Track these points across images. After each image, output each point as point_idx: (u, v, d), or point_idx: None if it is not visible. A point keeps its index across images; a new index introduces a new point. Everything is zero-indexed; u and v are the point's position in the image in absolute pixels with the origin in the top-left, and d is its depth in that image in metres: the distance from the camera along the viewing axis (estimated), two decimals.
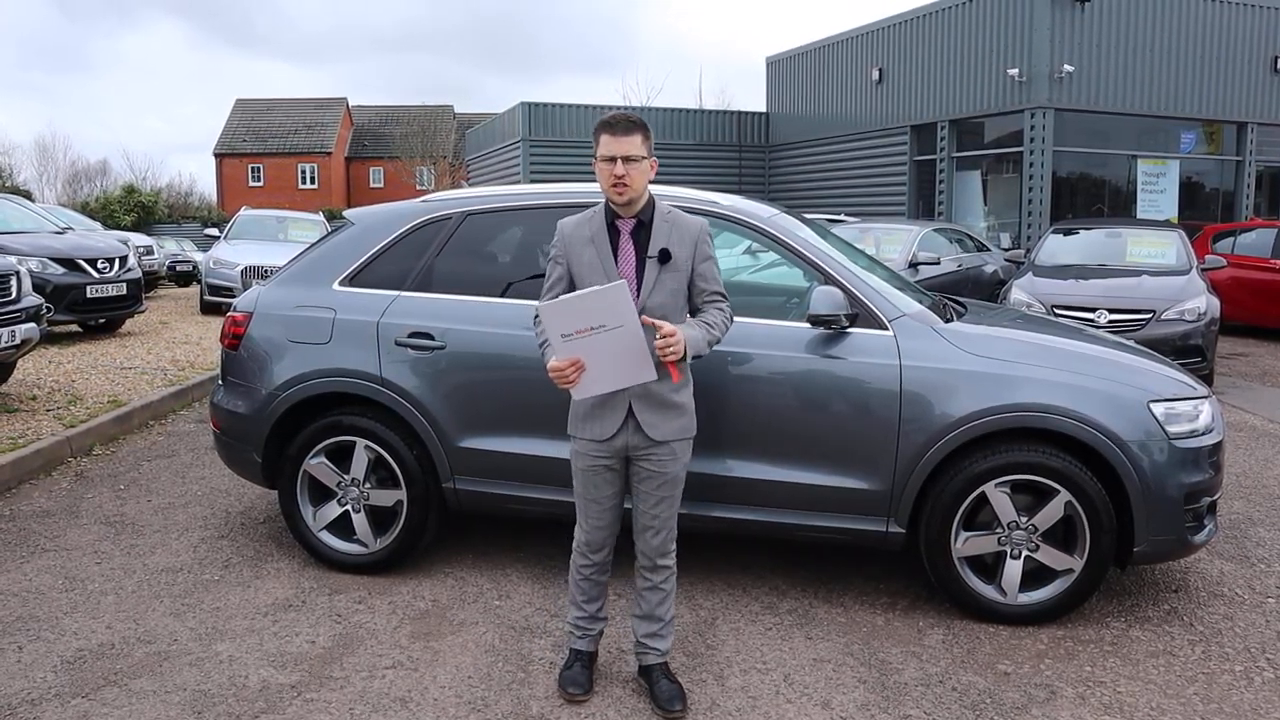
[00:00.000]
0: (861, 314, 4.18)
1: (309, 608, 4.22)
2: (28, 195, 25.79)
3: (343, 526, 4.60)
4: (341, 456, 4.53)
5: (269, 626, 4.03)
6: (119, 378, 9.17)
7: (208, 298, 15.30)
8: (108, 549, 4.93)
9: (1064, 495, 4.04)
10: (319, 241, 4.92)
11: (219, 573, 4.62)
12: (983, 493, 4.08)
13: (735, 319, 4.34)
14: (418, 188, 53.38)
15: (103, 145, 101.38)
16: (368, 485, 4.51)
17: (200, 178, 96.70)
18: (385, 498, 4.50)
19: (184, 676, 3.60)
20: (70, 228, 13.21)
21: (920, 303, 4.47)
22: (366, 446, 4.46)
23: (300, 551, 4.78)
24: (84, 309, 11.35)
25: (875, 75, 21.51)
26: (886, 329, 4.18)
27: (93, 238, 13.19)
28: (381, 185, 58.77)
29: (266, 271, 14.80)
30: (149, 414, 8.04)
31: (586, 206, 4.49)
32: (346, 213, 4.91)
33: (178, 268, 23.99)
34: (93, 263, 11.41)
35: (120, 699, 3.44)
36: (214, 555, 4.84)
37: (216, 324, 13.98)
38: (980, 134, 19.56)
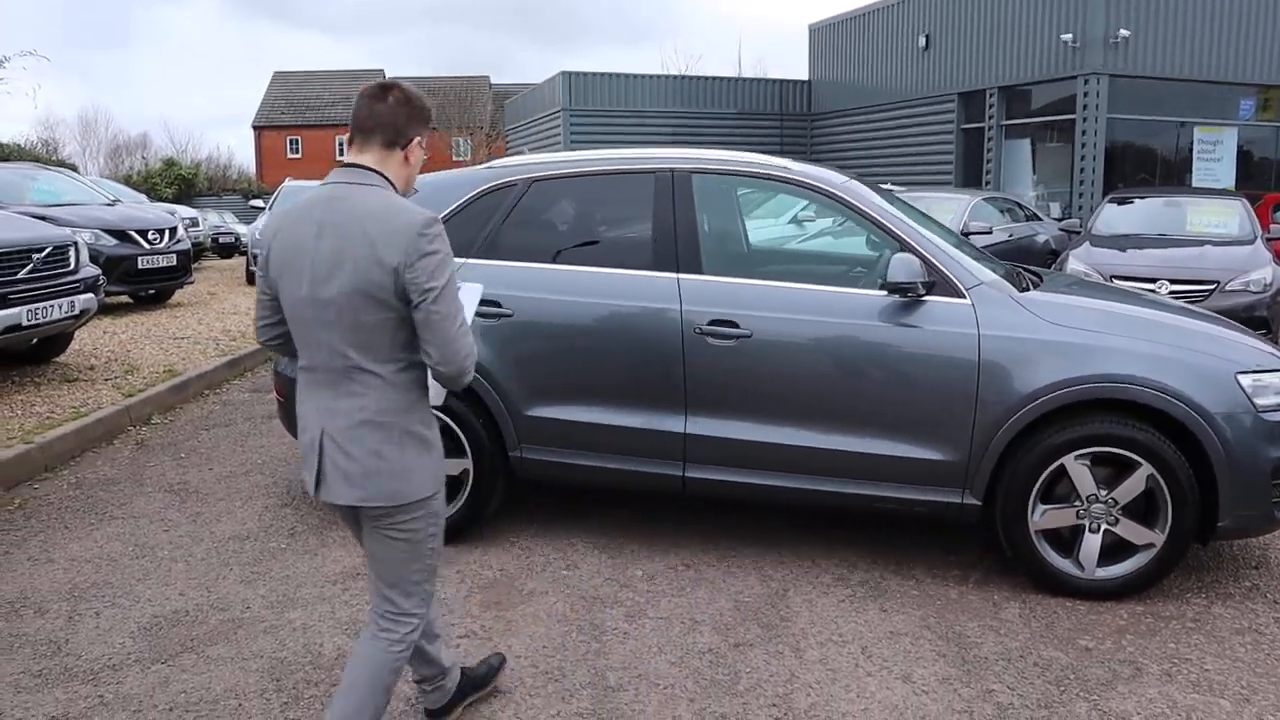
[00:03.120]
0: (938, 282, 4.09)
1: None
2: (73, 168, 26.04)
3: None
4: None
5: (339, 595, 4.03)
6: (172, 348, 9.23)
7: (254, 269, 15.35)
8: (174, 517, 4.95)
9: (1146, 468, 3.93)
10: None
11: (285, 541, 4.62)
12: (1061, 465, 3.99)
13: (805, 286, 4.29)
14: (454, 159, 53.40)
15: (142, 119, 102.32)
16: None
17: (238, 150, 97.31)
18: (451, 466, 4.47)
19: (260, 644, 3.61)
20: (118, 200, 13.31)
21: (995, 271, 4.37)
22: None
23: None
24: (135, 280, 11.43)
25: (922, 41, 21.15)
26: (964, 297, 4.09)
27: (142, 209, 13.29)
28: None
29: None
30: (204, 384, 8.09)
31: (651, 173, 4.46)
32: None
33: (220, 239, 24.20)
34: (143, 234, 11.48)
35: (199, 665, 3.45)
36: (279, 524, 4.85)
37: None
38: (1031, 101, 19.18)
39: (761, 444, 4.18)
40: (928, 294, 4.07)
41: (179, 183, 39.09)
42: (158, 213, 12.91)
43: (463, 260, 4.45)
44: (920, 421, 4.08)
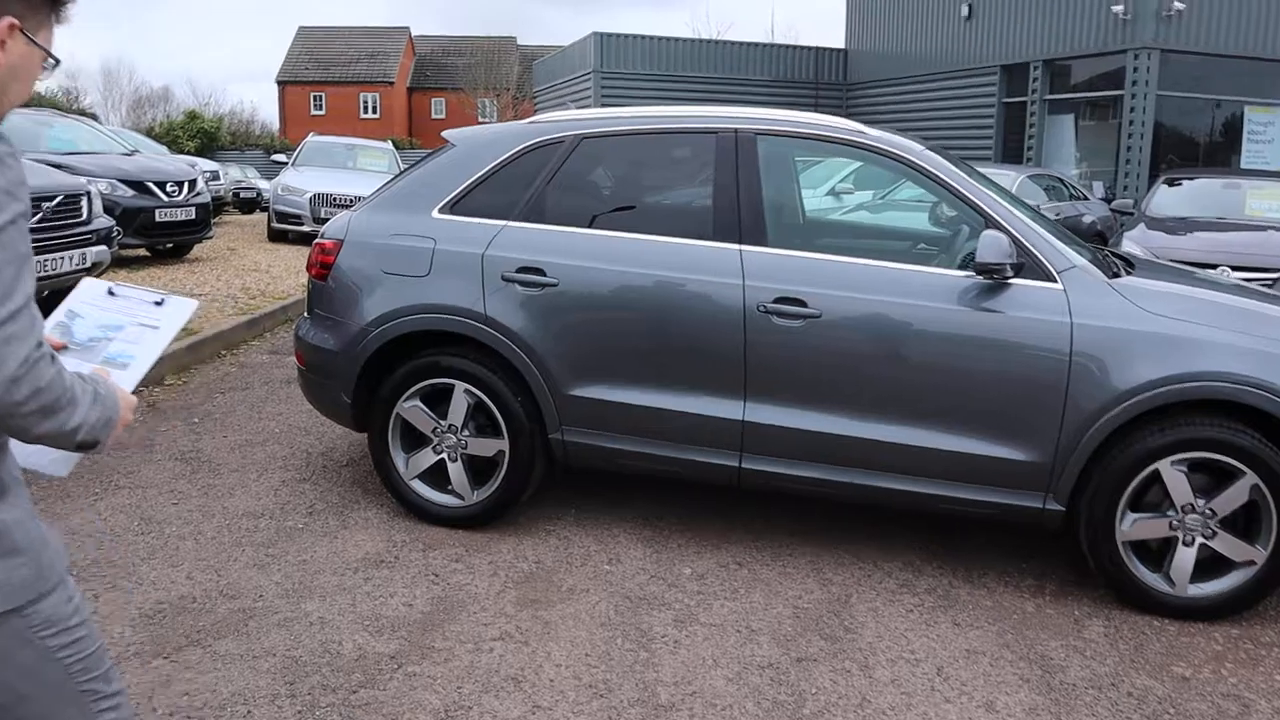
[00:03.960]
0: (1028, 264, 3.70)
1: (402, 564, 3.88)
2: (94, 118, 25.65)
3: (437, 476, 4.25)
4: (438, 400, 4.16)
5: (361, 585, 3.70)
6: None
7: (275, 225, 15.01)
8: (184, 488, 4.62)
9: (1250, 478, 3.55)
10: (415, 164, 4.51)
11: (303, 520, 4.29)
12: (1155, 470, 3.62)
13: (877, 264, 3.90)
14: (479, 119, 52.89)
15: (166, 73, 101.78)
16: (466, 433, 4.14)
17: (261, 106, 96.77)
18: (485, 447, 4.13)
19: (272, 639, 3.28)
20: (137, 150, 12.95)
21: (1083, 255, 3.97)
22: (466, 391, 4.08)
23: (389, 501, 4.44)
24: (153, 233, 11.08)
25: (964, 11, 20.48)
26: (1055, 281, 3.70)
27: (162, 160, 12.93)
28: (443, 116, 58.26)
29: (335, 199, 14.50)
30: (220, 343, 7.76)
31: (713, 133, 4.07)
32: (446, 133, 4.48)
33: (241, 194, 23.87)
34: (162, 186, 11.12)
35: (204, 662, 3.12)
36: (296, 500, 4.52)
37: (285, 251, 13.73)
38: (1076, 76, 18.54)
39: (826, 435, 3.81)
40: (1015, 276, 3.68)
41: (201, 136, 38.71)
42: (177, 164, 12.55)
43: (502, 223, 4.09)
44: (1002, 417, 3.71)
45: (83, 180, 7.59)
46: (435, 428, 4.17)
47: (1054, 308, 3.65)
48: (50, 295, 7.47)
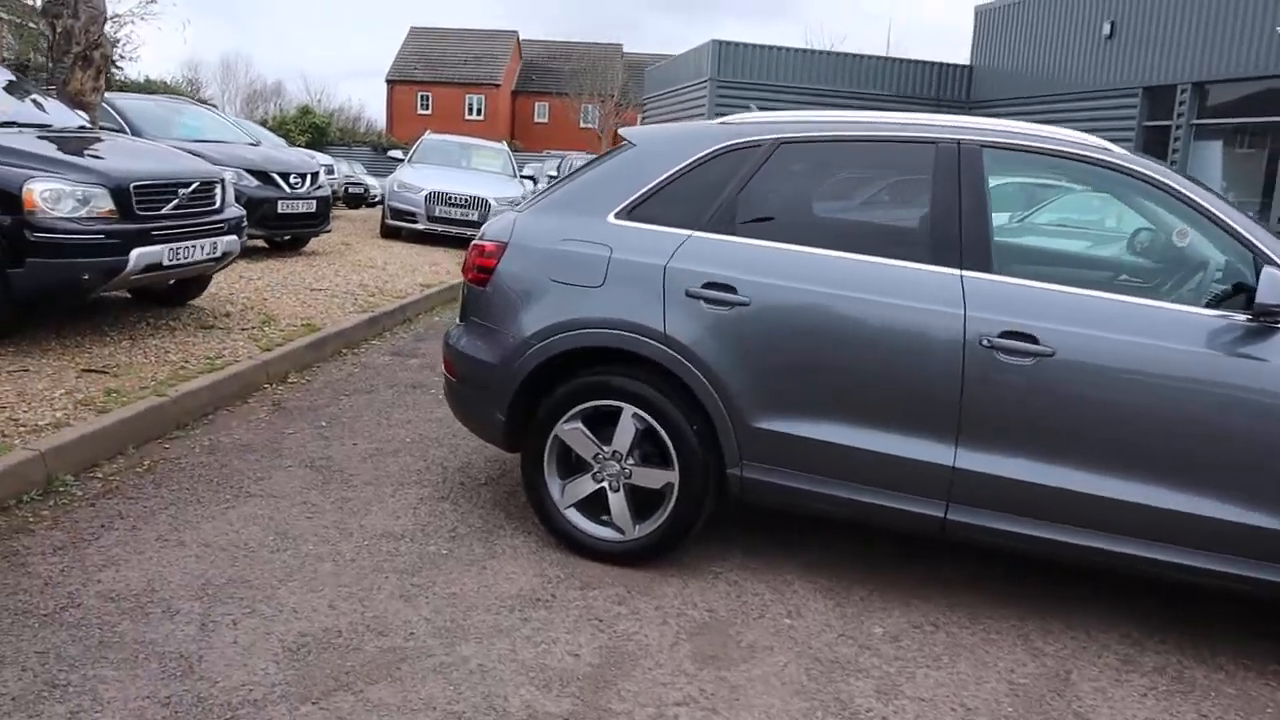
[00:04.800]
0: None
1: (561, 605, 3.49)
2: (214, 109, 26.14)
3: (594, 506, 3.86)
4: (602, 423, 3.78)
5: (519, 627, 3.32)
6: (310, 300, 8.71)
7: (390, 221, 14.89)
8: (317, 500, 4.32)
9: None
10: (592, 163, 4.13)
11: (446, 545, 3.94)
12: None
13: (1114, 297, 3.42)
14: (582, 125, 52.98)
15: (279, 68, 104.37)
16: (631, 461, 3.75)
17: (368, 103, 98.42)
18: (652, 478, 3.73)
19: (429, 688, 2.91)
20: (259, 141, 12.91)
21: None
22: (635, 415, 3.68)
23: (537, 528, 4.07)
24: (274, 224, 10.98)
25: (1106, 29, 19.58)
26: None
27: (285, 151, 12.90)
28: (546, 120, 58.59)
29: (451, 198, 14.33)
30: (342, 342, 7.52)
31: (931, 143, 3.62)
32: (624, 131, 4.11)
33: (349, 190, 24.02)
34: (285, 177, 11.01)
35: (357, 712, 2.77)
36: (437, 522, 4.17)
37: (399, 249, 13.58)
38: (1228, 100, 17.49)
39: (1051, 489, 3.33)
40: None
41: (312, 130, 39.33)
42: (300, 156, 12.51)
43: (688, 232, 3.68)
44: (1260, 479, 3.19)
45: (218, 168, 7.41)
46: (597, 453, 3.79)
47: None
48: (176, 284, 7.33)
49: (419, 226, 14.38)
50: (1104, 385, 3.27)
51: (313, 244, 12.72)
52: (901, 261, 3.49)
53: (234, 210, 7.21)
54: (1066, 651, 3.45)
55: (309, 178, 11.35)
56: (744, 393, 3.54)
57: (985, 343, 3.32)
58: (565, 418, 3.80)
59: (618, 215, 3.80)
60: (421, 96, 57.99)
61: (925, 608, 3.69)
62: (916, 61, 25.71)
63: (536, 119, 59.37)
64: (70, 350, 5.96)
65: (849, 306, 3.46)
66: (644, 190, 3.79)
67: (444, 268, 12.08)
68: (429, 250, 13.73)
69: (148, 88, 27.52)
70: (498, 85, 57.80)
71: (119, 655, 2.95)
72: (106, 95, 10.23)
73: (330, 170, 18.74)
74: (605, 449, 3.77)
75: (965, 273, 3.42)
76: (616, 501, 3.79)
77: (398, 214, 14.71)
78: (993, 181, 3.54)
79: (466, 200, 14.31)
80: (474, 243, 4.13)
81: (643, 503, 3.79)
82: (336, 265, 11.25)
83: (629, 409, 3.69)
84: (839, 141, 3.73)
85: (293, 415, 5.61)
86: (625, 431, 3.72)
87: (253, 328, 7.20)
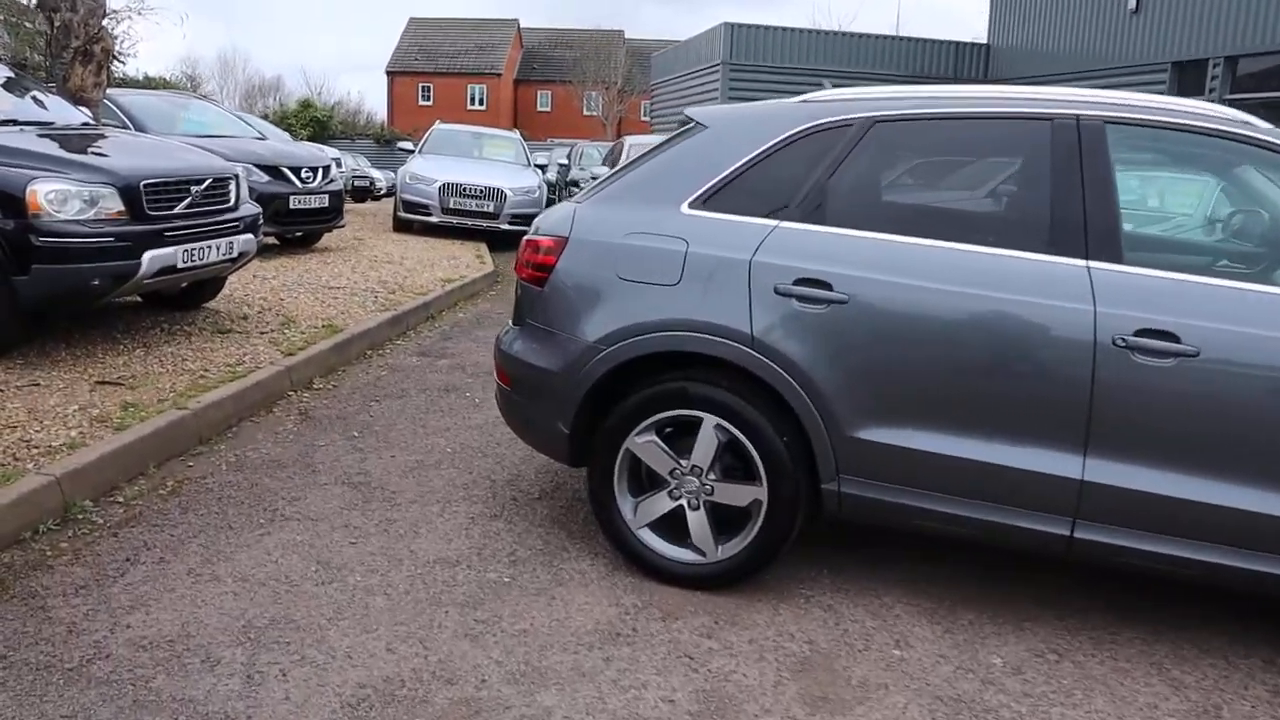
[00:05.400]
0: None
1: (644, 641, 3.13)
2: (216, 103, 25.73)
3: (670, 525, 3.50)
4: (679, 435, 3.41)
5: (602, 669, 2.96)
6: (328, 299, 8.34)
7: (402, 214, 14.49)
8: (359, 523, 3.96)
9: None
10: (657, 149, 3.75)
11: (507, 572, 3.58)
12: None
13: (1260, 288, 3.05)
14: (584, 113, 52.51)
15: (277, 63, 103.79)
16: (712, 476, 3.38)
17: (368, 96, 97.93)
18: (736, 495, 3.36)
19: None
20: (266, 136, 12.53)
21: None
22: (718, 426, 3.31)
23: (603, 548, 3.72)
24: (287, 221, 10.58)
25: (1131, 3, 19.06)
26: None
27: (295, 146, 12.51)
28: (549, 109, 58.09)
29: (465, 189, 13.93)
30: (366, 343, 7.16)
31: (1047, 120, 3.24)
32: (692, 111, 3.73)
33: (355, 183, 23.64)
34: (296, 172, 10.62)
35: None
36: (493, 545, 3.81)
37: (414, 243, 13.19)
38: (1265, 75, 16.96)
39: (1195, 504, 2.96)
40: None
41: (314, 124, 38.86)
42: (311, 150, 12.10)
43: (774, 223, 3.31)
44: None
45: (231, 164, 7.03)
46: (674, 469, 3.42)
47: None
48: (190, 286, 6.96)
49: (433, 219, 13.99)
50: (1260, 389, 2.89)
51: (324, 240, 12.34)
52: (1017, 252, 3.11)
53: (249, 208, 6.83)
54: (1209, 682, 3.09)
55: (320, 171, 10.97)
56: (842, 400, 3.17)
57: (1119, 341, 2.95)
58: (638, 430, 3.43)
59: (692, 205, 3.43)
60: (423, 87, 57.46)
61: (1041, 632, 3.33)
62: (932, 40, 25.17)
63: (539, 108, 58.85)
64: (81, 361, 5.60)
65: (959, 302, 3.08)
66: (721, 177, 3.41)
67: (463, 261, 11.70)
68: (445, 243, 13.33)
69: (148, 84, 27.14)
70: (499, 74, 57.26)
71: (157, 718, 2.59)
72: (108, 91, 9.85)
73: (338, 164, 18.34)
74: (683, 463, 3.41)
75: (1093, 264, 3.04)
76: (696, 520, 3.43)
77: (410, 207, 14.32)
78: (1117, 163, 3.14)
79: (482, 191, 13.90)
80: (527, 238, 3.75)
81: (723, 521, 3.43)
82: (352, 261, 10.88)
83: (710, 419, 3.32)
84: (940, 119, 3.34)
85: (322, 425, 5.25)
86: (706, 444, 3.35)
87: (272, 331, 6.83)
